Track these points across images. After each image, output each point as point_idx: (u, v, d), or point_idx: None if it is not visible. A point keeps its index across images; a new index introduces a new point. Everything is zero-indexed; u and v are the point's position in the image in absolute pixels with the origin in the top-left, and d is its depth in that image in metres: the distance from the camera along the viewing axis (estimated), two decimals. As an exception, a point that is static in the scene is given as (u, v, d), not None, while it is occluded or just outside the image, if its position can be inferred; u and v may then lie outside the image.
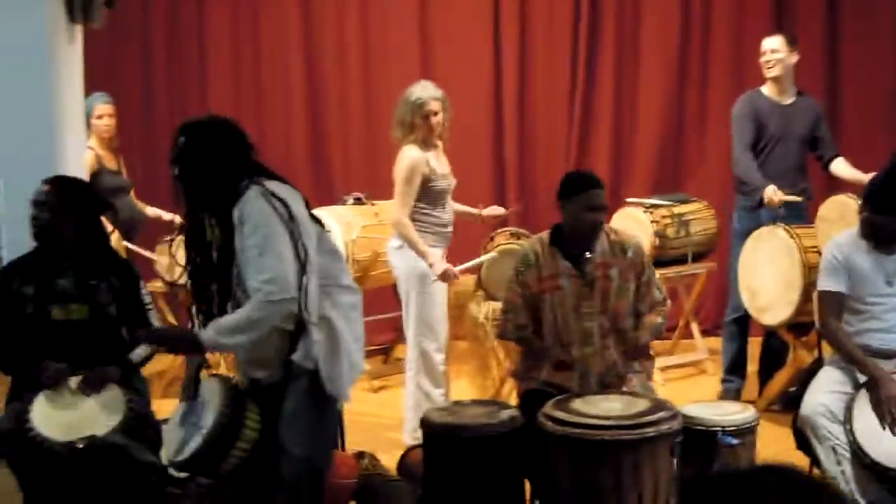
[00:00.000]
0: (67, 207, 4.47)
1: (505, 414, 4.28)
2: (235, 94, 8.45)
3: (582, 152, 8.28)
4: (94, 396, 4.30)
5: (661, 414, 4.01)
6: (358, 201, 7.10)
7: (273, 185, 3.87)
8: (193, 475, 4.33)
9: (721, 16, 8.15)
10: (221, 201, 3.84)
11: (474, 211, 6.05)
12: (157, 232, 7.05)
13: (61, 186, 4.53)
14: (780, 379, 6.24)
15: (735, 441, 4.23)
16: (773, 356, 6.39)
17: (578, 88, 8.23)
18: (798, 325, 6.02)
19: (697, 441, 4.19)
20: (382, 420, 6.18)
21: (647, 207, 6.88)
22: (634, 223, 6.71)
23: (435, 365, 5.70)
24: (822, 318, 4.84)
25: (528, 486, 4.44)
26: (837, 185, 6.38)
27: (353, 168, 8.32)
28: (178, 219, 6.87)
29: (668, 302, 4.86)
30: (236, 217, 3.78)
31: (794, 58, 6.24)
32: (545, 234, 4.72)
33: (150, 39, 8.36)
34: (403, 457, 5.13)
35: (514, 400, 5.93)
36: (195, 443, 3.81)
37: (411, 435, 5.65)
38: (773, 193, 5.97)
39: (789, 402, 6.09)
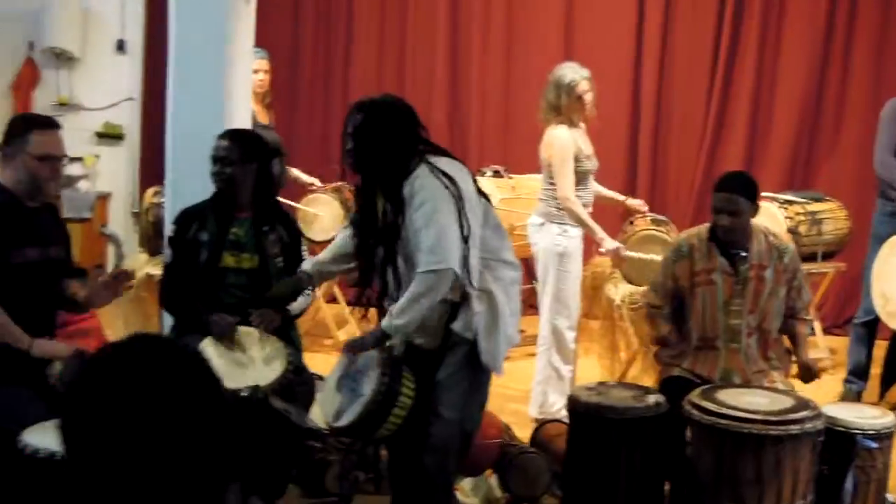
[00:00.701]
0: (247, 159, 4.68)
1: (651, 398, 4.38)
2: (379, 59, 8.60)
3: (715, 144, 8.33)
4: (255, 347, 4.47)
5: (805, 412, 4.09)
6: (496, 174, 7.22)
7: (441, 162, 4.03)
8: (356, 438, 4.52)
9: (865, 19, 8.11)
10: (393, 177, 4.02)
11: (619, 198, 6.20)
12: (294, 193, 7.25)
13: (240, 139, 4.74)
14: (898, 387, 6.31)
15: (874, 444, 4.30)
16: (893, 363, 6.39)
17: (717, 82, 8.29)
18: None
19: (837, 442, 4.25)
20: (507, 391, 6.21)
21: (781, 203, 6.93)
22: (768, 217, 6.71)
23: (567, 342, 5.85)
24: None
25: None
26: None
27: (489, 141, 8.42)
28: (316, 182, 7.15)
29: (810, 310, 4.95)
30: (406, 192, 3.96)
31: None
32: (703, 228, 4.81)
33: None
34: (537, 430, 5.30)
35: (638, 381, 6.12)
36: (354, 411, 3.96)
37: (538, 409, 5.84)
38: None
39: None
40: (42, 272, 4.17)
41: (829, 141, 8.28)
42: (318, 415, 4.26)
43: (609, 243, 5.78)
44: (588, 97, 5.80)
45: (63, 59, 8.50)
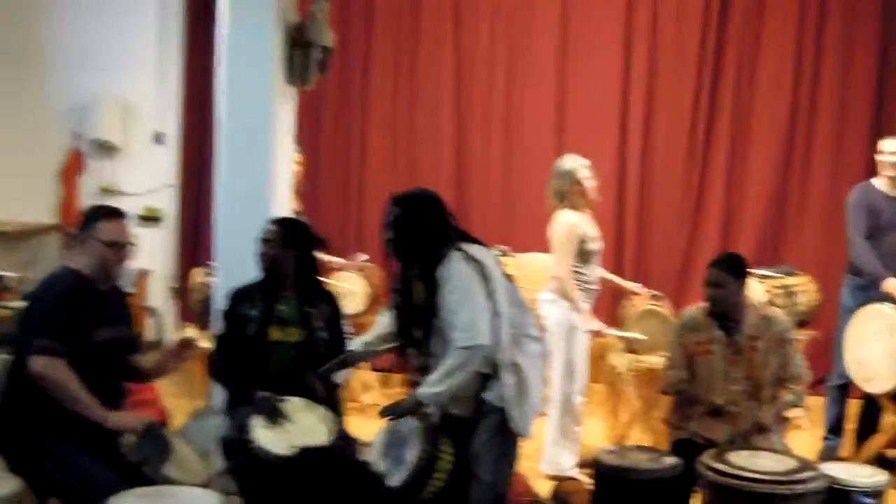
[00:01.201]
0: (292, 242, 4.66)
1: (667, 461, 4.33)
2: (393, 146, 8.59)
3: (694, 226, 8.33)
4: (302, 416, 4.36)
5: (809, 473, 4.06)
6: (502, 254, 7.18)
7: (472, 249, 4.05)
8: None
9: (824, 119, 8.15)
10: (428, 262, 4.02)
11: (617, 280, 6.29)
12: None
13: (286, 225, 4.71)
14: (878, 441, 6.25)
15: (871, 501, 4.26)
16: (872, 419, 6.33)
17: (694, 172, 8.27)
18: (897, 395, 6.04)
19: (836, 499, 4.20)
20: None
21: (759, 277, 6.89)
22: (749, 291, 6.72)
23: (576, 406, 5.79)
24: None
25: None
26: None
27: (492, 223, 8.32)
28: (336, 261, 7.09)
29: (805, 376, 4.89)
30: (440, 275, 3.97)
31: None
32: (704, 305, 4.83)
33: (321, 99, 8.45)
34: (556, 487, 5.24)
35: (637, 440, 6.05)
36: (400, 476, 3.92)
37: (550, 466, 5.74)
38: (893, 287, 5.95)
39: (883, 464, 6.12)
40: (114, 350, 4.11)
41: (795, 222, 8.24)
42: None
43: (592, 324, 5.74)
44: (588, 183, 5.81)
45: (106, 148, 8.44)
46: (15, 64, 8.35)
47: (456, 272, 3.94)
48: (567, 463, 5.78)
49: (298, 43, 5.15)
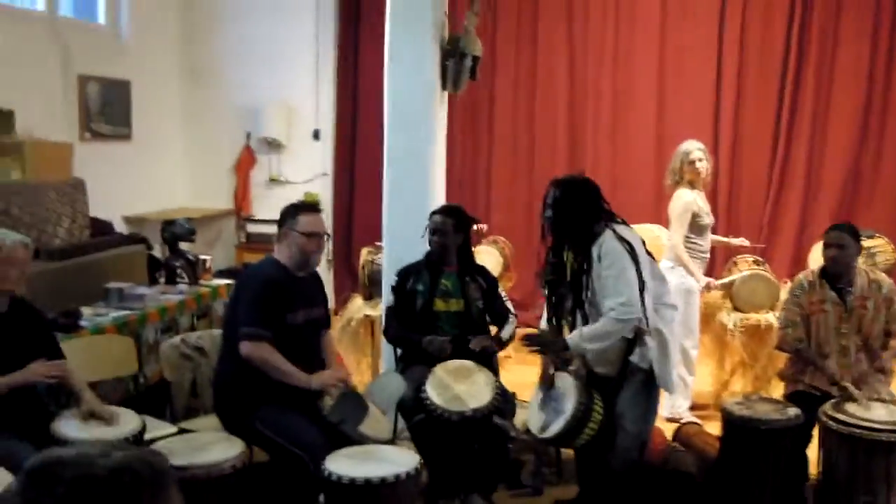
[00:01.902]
0: (459, 230, 4.62)
1: (791, 411, 4.17)
2: (513, 143, 8.45)
3: (779, 192, 7.99)
4: (471, 378, 4.31)
5: (922, 421, 3.89)
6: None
7: (621, 230, 3.93)
8: (558, 446, 4.41)
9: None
10: (582, 240, 3.91)
11: (726, 240, 6.04)
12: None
13: (454, 214, 4.65)
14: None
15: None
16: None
17: (779, 151, 7.93)
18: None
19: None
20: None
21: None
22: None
23: (691, 358, 5.67)
24: None
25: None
26: None
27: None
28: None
29: None
30: (595, 253, 3.86)
31: None
32: (816, 268, 4.67)
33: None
34: (678, 430, 5.12)
35: (741, 386, 5.90)
36: (558, 425, 3.89)
37: (669, 410, 5.61)
38: None
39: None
40: (309, 329, 4.08)
41: (867, 196, 7.86)
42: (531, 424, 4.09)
43: (704, 281, 5.62)
44: (701, 165, 5.62)
45: (273, 145, 8.52)
46: (197, 79, 8.55)
47: (611, 250, 3.82)
48: (682, 406, 5.69)
49: (452, 53, 5.05)
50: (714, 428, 5.25)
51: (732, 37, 7.87)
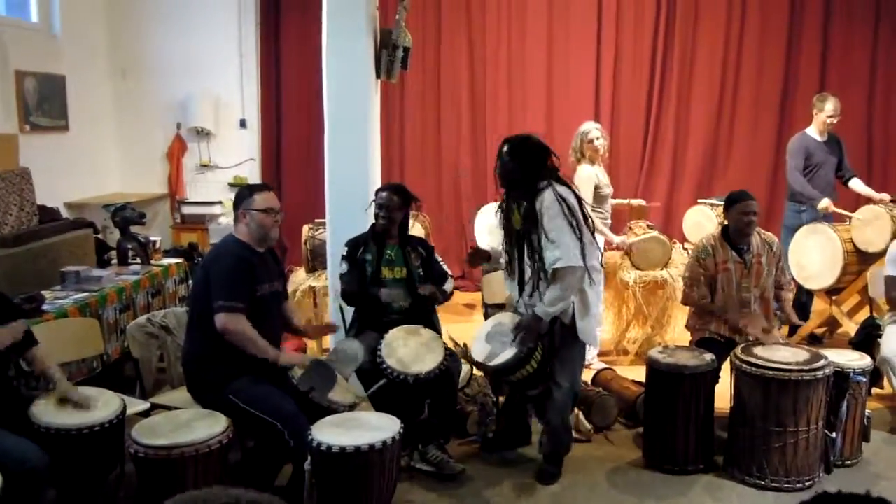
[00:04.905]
0: (404, 205, 4.27)
1: (707, 357, 4.02)
2: (422, 125, 8.06)
3: (651, 163, 7.91)
4: (419, 339, 4.01)
5: (822, 362, 3.78)
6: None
7: (561, 189, 3.70)
8: (493, 378, 4.14)
9: (747, 81, 7.75)
10: (528, 194, 3.70)
11: (624, 202, 5.95)
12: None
13: (399, 191, 4.28)
14: (809, 325, 6.02)
15: (862, 378, 4.00)
16: (802, 307, 6.08)
17: (650, 128, 7.86)
18: (832, 291, 5.79)
19: (839, 379, 3.94)
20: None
21: (712, 205, 6.56)
22: (704, 217, 6.38)
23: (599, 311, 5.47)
24: (888, 294, 4.60)
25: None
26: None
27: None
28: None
29: (793, 281, 4.61)
30: (538, 208, 3.65)
31: None
32: (717, 232, 4.50)
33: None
34: (596, 375, 4.94)
35: (636, 333, 5.77)
36: (505, 356, 3.70)
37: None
38: (828, 205, 5.71)
39: (812, 340, 5.93)
40: (272, 301, 3.68)
41: (723, 164, 7.87)
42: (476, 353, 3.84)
43: (619, 240, 5.48)
44: (598, 142, 5.41)
45: (202, 134, 7.90)
46: (130, 74, 7.84)
47: (551, 204, 3.62)
48: (591, 355, 5.46)
49: (385, 45, 4.64)
50: (622, 371, 5.13)
51: (609, 36, 7.73)
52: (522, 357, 3.66)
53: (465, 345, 4.01)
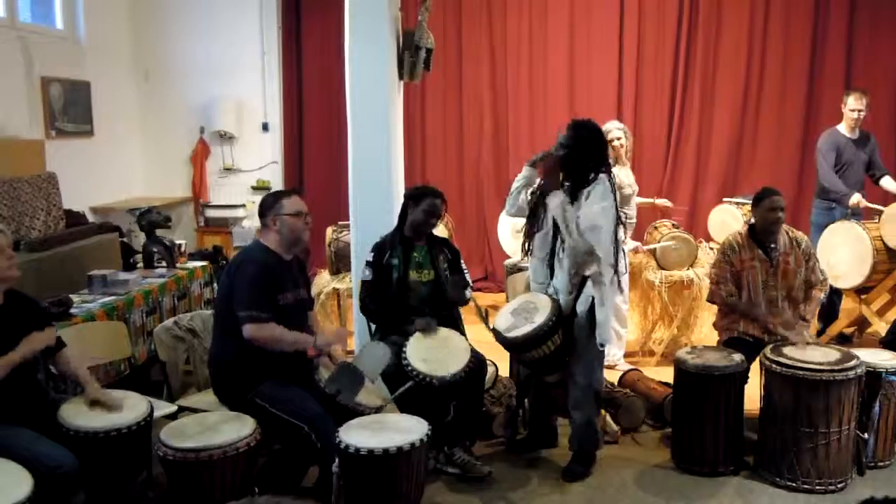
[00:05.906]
0: (445, 209, 4.27)
1: (736, 357, 3.96)
2: (444, 126, 8.04)
3: (675, 163, 7.82)
4: (445, 342, 3.95)
5: (854, 361, 3.72)
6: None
7: (609, 182, 3.74)
8: (512, 351, 4.04)
9: (772, 79, 7.64)
10: (582, 181, 3.73)
11: (649, 200, 5.92)
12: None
13: (440, 196, 4.21)
14: (839, 324, 5.94)
15: (894, 378, 3.91)
16: (831, 307, 6.02)
17: (674, 126, 7.76)
18: (862, 290, 5.71)
19: (869, 378, 3.86)
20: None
21: (738, 204, 6.50)
22: (730, 216, 6.32)
23: (622, 313, 5.43)
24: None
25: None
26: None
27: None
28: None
29: (828, 281, 4.52)
30: (584, 194, 3.68)
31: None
32: (744, 230, 4.44)
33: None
34: (621, 378, 4.89)
35: (661, 333, 5.71)
36: (525, 330, 3.68)
37: (606, 360, 5.33)
38: (859, 200, 5.63)
39: (842, 339, 5.84)
40: (295, 309, 3.65)
41: (748, 162, 7.76)
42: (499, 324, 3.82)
43: (631, 244, 5.48)
44: (619, 143, 5.36)
45: (225, 137, 7.94)
46: (154, 78, 7.90)
47: (601, 195, 3.65)
48: (617, 355, 5.46)
49: (408, 46, 4.63)
50: (648, 372, 5.07)
51: (631, 34, 7.66)
52: (540, 335, 3.65)
53: (485, 310, 3.99)
